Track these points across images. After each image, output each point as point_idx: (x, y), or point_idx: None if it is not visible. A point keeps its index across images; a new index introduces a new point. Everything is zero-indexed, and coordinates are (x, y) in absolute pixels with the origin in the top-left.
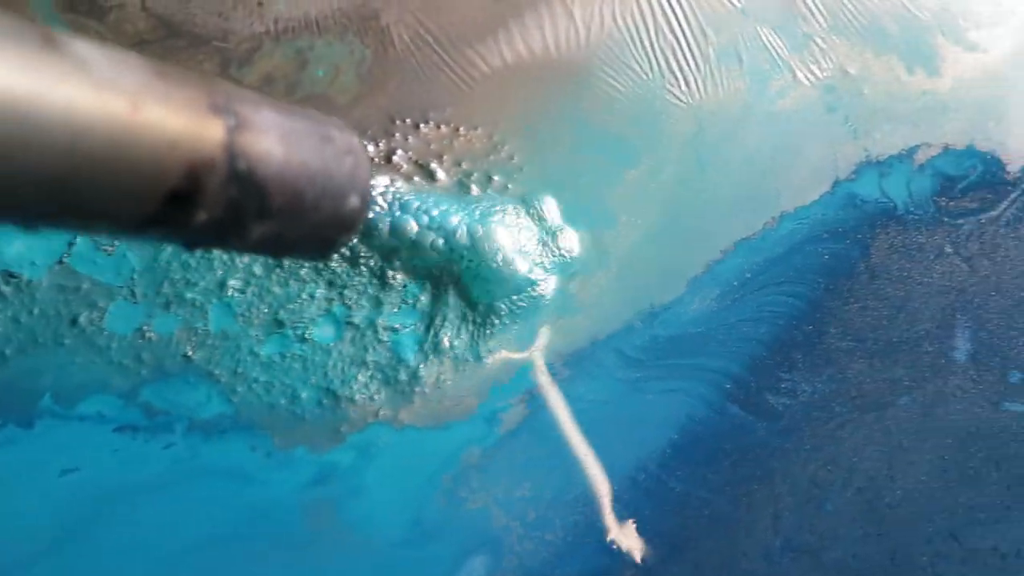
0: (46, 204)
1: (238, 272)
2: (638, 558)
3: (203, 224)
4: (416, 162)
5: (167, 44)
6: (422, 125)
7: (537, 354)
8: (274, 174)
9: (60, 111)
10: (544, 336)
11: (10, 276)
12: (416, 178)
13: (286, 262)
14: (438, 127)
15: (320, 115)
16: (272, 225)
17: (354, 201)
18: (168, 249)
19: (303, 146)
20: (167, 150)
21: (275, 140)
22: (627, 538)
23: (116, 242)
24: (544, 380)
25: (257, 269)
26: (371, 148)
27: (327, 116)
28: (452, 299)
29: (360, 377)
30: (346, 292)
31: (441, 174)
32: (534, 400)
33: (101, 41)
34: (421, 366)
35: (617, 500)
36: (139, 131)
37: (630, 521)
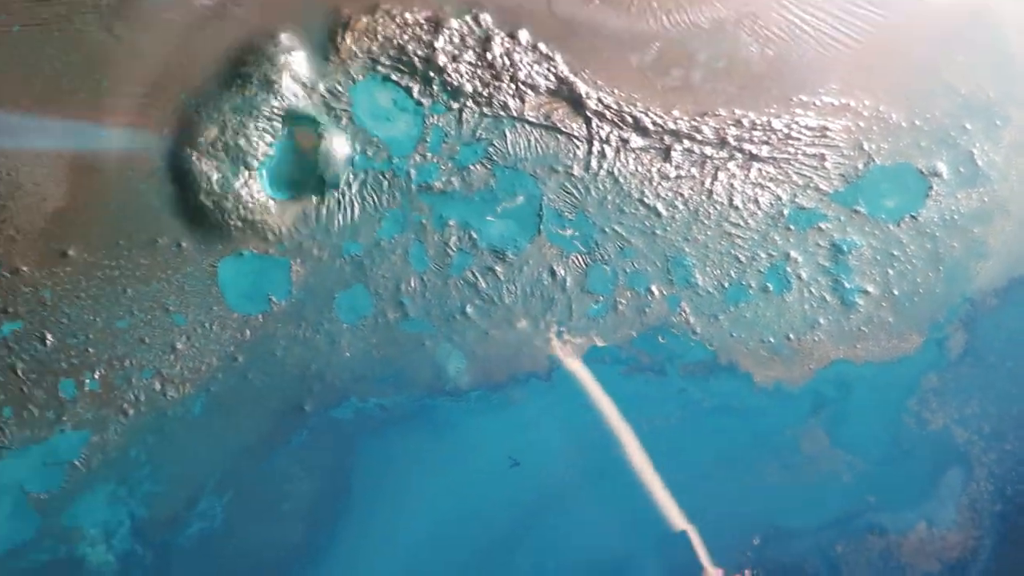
0: None
1: (696, 243)
2: None
3: None
4: (819, 136)
5: (571, 42)
6: (816, 101)
7: (559, 346)
8: None
9: None
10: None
11: (498, 255)
12: (833, 155)
13: None
14: (833, 104)
15: None
16: None
17: None
18: (626, 222)
19: None
20: None
21: None
22: None
23: (573, 214)
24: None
25: (707, 238)
26: (776, 123)
27: None
28: (893, 249)
29: (812, 322)
30: (791, 253)
31: (843, 143)
32: (969, 326)
33: None
34: (865, 310)
35: None
36: None
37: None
